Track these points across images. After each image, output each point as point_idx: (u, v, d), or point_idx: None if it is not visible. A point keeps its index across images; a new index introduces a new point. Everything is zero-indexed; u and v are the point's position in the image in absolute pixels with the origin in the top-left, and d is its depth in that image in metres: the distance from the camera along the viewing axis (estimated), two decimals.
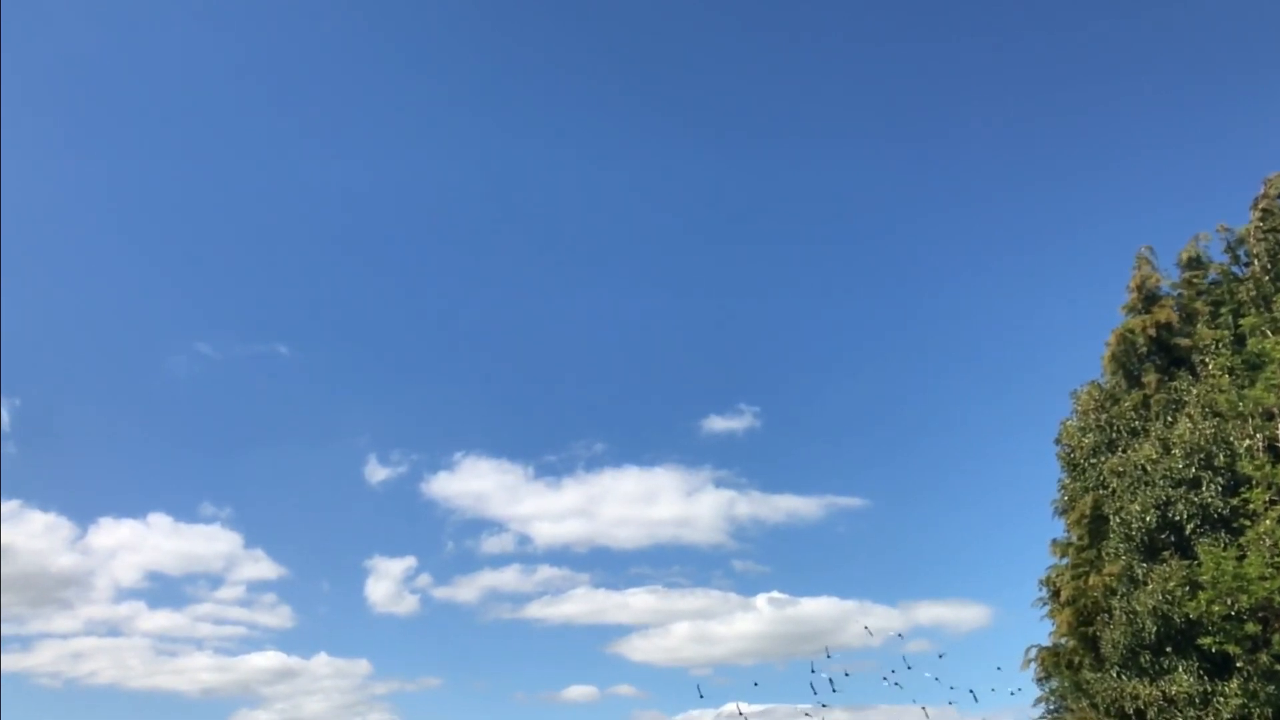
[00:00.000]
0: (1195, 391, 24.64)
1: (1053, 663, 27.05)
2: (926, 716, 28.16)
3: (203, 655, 51.48)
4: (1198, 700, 21.97)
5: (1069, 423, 28.15)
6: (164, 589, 55.67)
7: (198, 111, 65.33)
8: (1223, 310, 25.93)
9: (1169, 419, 24.94)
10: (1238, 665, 21.67)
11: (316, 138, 66.61)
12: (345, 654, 53.50)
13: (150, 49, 62.75)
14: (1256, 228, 26.27)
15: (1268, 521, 20.99)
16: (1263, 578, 20.12)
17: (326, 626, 56.56)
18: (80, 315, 63.38)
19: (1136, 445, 25.09)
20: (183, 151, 64.67)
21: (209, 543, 54.30)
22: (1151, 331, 26.61)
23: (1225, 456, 22.94)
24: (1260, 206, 26.43)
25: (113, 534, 53.64)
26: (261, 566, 53.88)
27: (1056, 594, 26.97)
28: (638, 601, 54.21)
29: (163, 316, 64.78)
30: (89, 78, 62.64)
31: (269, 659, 51.77)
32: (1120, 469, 24.93)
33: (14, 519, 51.70)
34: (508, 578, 55.26)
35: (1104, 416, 26.69)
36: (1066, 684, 26.38)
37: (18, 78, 58.42)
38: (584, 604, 54.60)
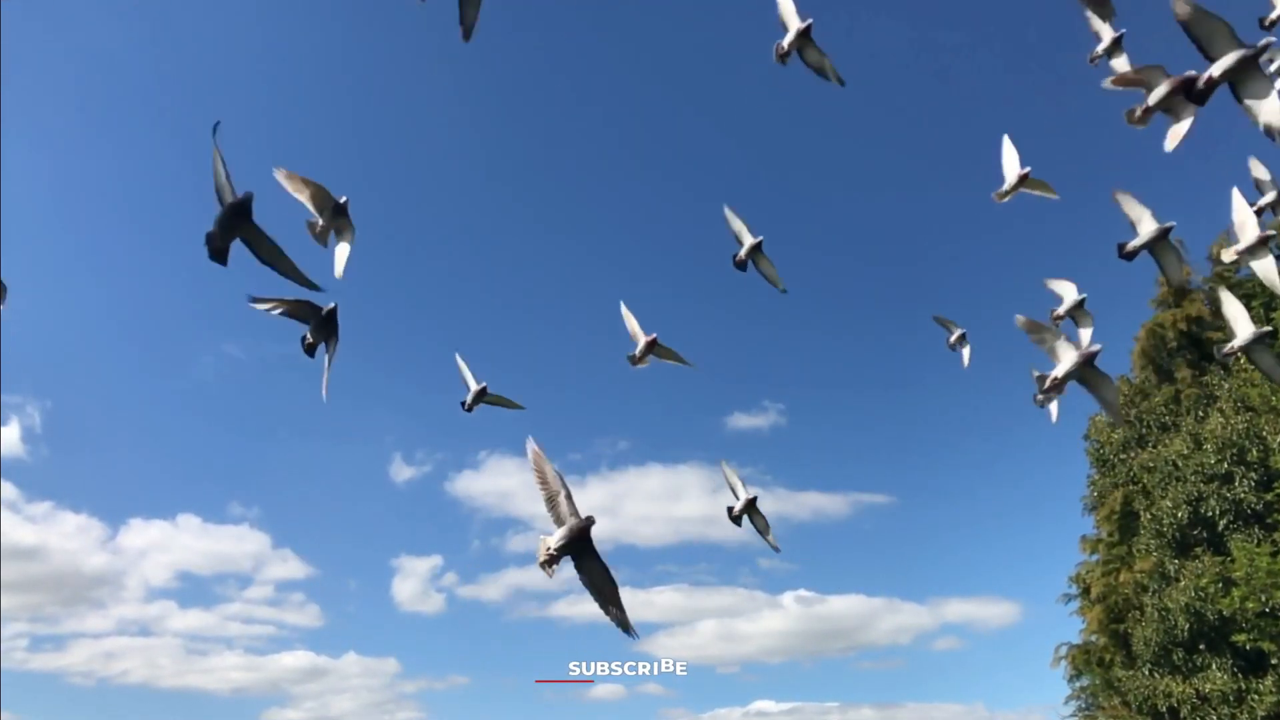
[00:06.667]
0: (1227, 386, 24.35)
1: (1083, 660, 26.83)
2: None
3: (233, 654, 51.87)
4: (1232, 698, 21.73)
5: (1098, 418, 27.88)
6: (194, 589, 56.17)
7: (219, 110, 65.90)
8: (1254, 303, 25.58)
9: (1200, 414, 24.66)
10: (1272, 662, 21.41)
11: (339, 134, 67.05)
12: (373, 653, 53.74)
13: (176, 51, 63.48)
14: None
15: None
16: None
17: (355, 625, 56.95)
18: (110, 317, 64.03)
19: (1167, 440, 24.83)
20: (208, 151, 65.19)
21: (238, 543, 54.68)
22: (1182, 325, 26.33)
23: (1258, 451, 22.66)
24: None
25: (143, 534, 54.12)
26: (290, 566, 54.16)
27: (1087, 591, 26.75)
28: (663, 599, 54.06)
29: (190, 318, 65.26)
30: (117, 85, 63.41)
31: (298, 658, 52.06)
32: (1151, 464, 24.69)
33: (46, 520, 52.40)
34: (533, 576, 55.25)
35: (1134, 411, 26.44)
36: (1098, 682, 26.17)
37: (40, 80, 59.21)
38: None
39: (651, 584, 58.06)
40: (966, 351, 12.83)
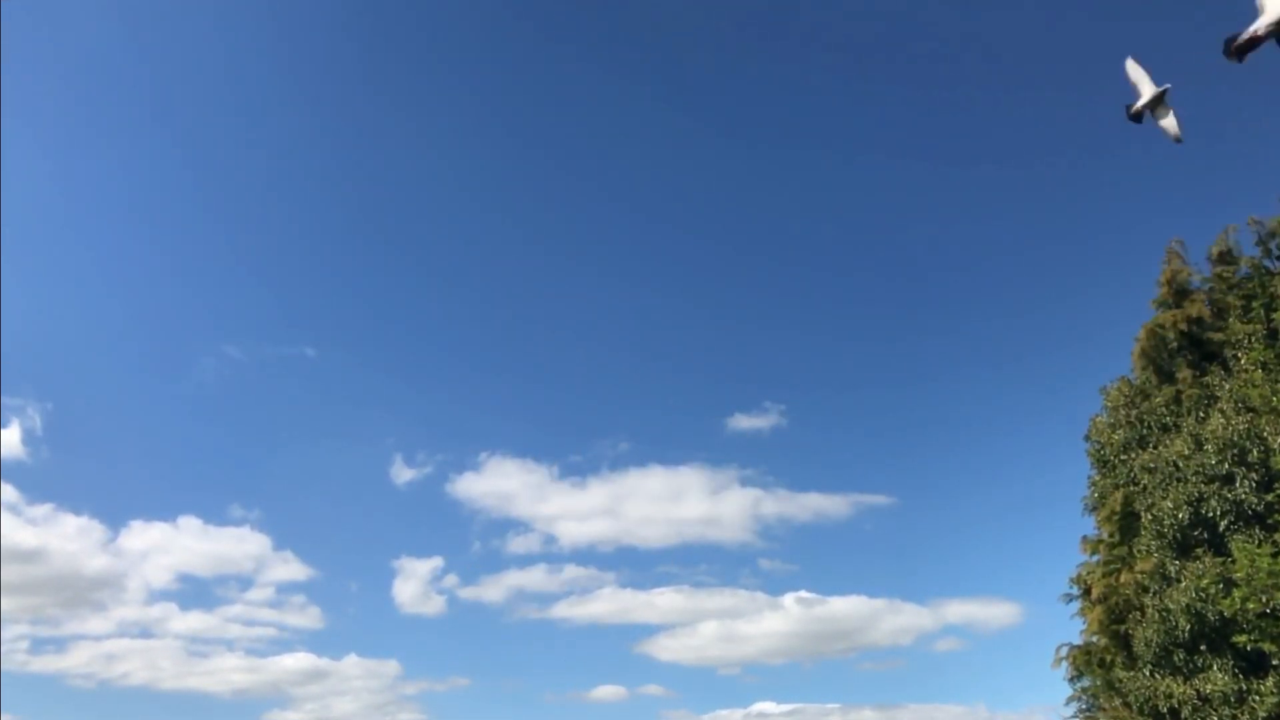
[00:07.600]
0: (1228, 386, 24.35)
1: (1084, 661, 26.83)
2: None
3: (234, 656, 52.08)
4: (1233, 699, 21.73)
5: (1099, 419, 27.90)
6: (195, 591, 56.45)
7: (224, 116, 66.09)
8: (1254, 304, 25.61)
9: (1201, 414, 24.66)
10: (1273, 663, 21.41)
11: (341, 139, 67.16)
12: (374, 654, 53.88)
13: (176, 53, 63.54)
14: None
15: None
16: None
17: (356, 627, 57.04)
18: (110, 319, 64.34)
19: (1168, 441, 24.83)
20: (209, 155, 65.42)
21: (238, 544, 54.96)
22: (1182, 326, 26.32)
23: (1259, 452, 22.65)
24: None
25: (144, 536, 54.44)
26: (291, 568, 54.42)
27: (1088, 592, 26.76)
28: (664, 601, 54.23)
29: (191, 320, 65.63)
30: (118, 87, 63.50)
31: (299, 660, 52.29)
32: (1151, 465, 24.69)
33: (48, 522, 52.62)
34: (534, 577, 55.50)
35: (1134, 412, 26.43)
36: (1099, 683, 26.17)
37: (41, 81, 59.30)
38: (611, 604, 54.68)
39: (652, 585, 58.13)
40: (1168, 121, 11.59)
